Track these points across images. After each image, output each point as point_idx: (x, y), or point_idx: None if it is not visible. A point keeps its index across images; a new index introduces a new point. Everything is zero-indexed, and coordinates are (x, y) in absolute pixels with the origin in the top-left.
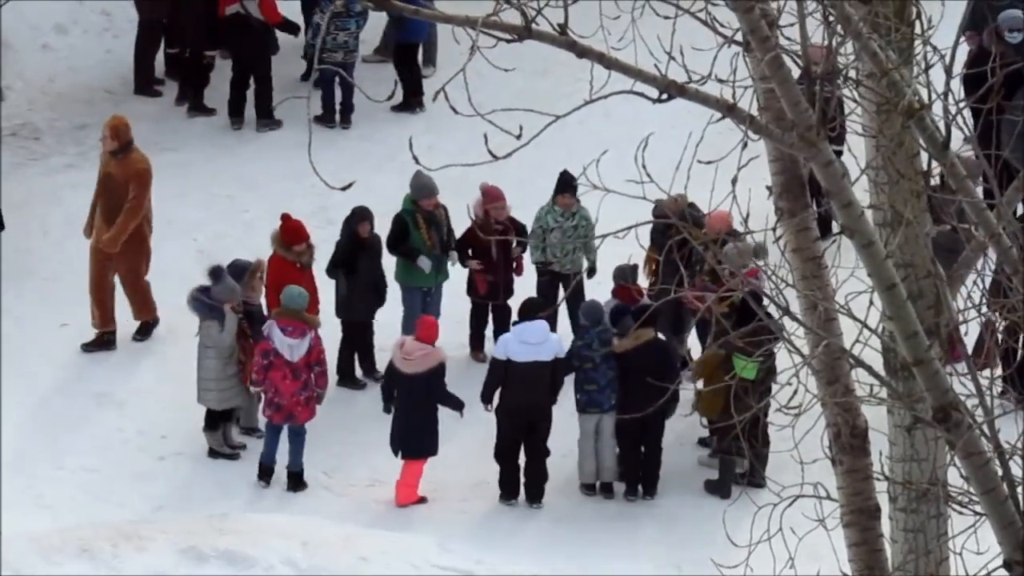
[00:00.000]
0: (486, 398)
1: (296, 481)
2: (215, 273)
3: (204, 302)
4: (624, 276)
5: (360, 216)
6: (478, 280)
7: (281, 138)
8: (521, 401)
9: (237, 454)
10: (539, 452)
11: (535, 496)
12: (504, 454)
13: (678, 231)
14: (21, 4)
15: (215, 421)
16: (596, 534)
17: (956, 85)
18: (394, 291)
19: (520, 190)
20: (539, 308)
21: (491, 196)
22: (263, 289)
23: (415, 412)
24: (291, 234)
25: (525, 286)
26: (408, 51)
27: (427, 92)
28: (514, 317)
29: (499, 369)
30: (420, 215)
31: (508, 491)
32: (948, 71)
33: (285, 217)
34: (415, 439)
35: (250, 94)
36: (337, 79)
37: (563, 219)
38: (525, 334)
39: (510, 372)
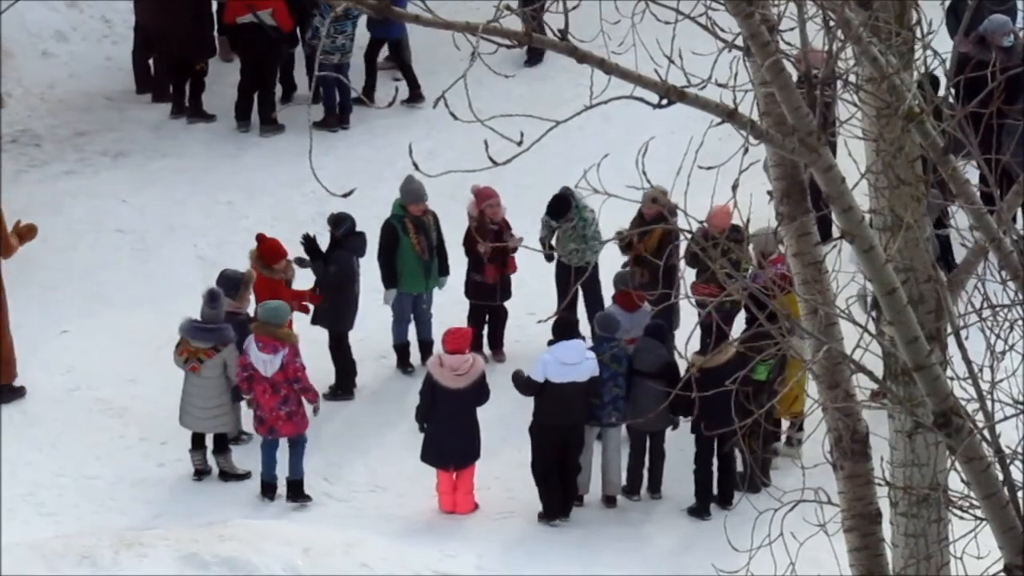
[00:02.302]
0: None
1: (296, 491)
2: (214, 297)
3: (214, 328)
4: (624, 282)
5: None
6: (488, 269)
7: (281, 144)
8: (556, 421)
9: (249, 473)
10: (570, 469)
11: (565, 511)
12: (541, 473)
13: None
14: (21, 11)
15: (225, 444)
16: (597, 540)
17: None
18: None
19: (520, 195)
20: (572, 327)
21: (484, 195)
22: (252, 300)
23: (464, 422)
24: (271, 254)
25: (523, 287)
26: (376, 47)
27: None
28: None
29: (533, 389)
30: (409, 220)
31: (549, 512)
32: (949, 76)
33: (260, 238)
34: (467, 449)
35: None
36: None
37: (564, 220)
38: (564, 355)
39: (546, 392)
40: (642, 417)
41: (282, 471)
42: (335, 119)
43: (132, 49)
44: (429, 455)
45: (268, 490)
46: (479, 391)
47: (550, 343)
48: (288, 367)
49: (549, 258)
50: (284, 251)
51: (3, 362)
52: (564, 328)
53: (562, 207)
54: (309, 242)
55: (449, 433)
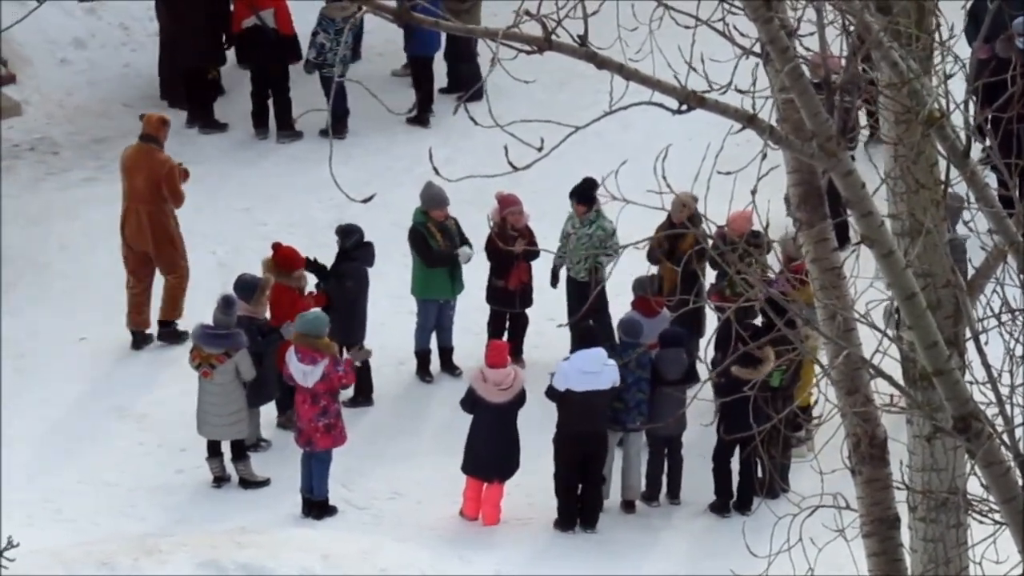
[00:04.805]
0: None
1: (320, 509)
2: (228, 303)
3: (225, 334)
4: (643, 288)
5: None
6: (511, 275)
7: (299, 151)
8: (578, 430)
9: (268, 479)
10: (595, 479)
11: (591, 522)
12: (564, 483)
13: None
14: (39, 18)
15: (244, 451)
16: (616, 545)
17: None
18: (408, 304)
19: (539, 202)
20: (592, 334)
21: (507, 202)
22: (268, 305)
23: (505, 436)
24: (289, 261)
25: (544, 294)
26: (418, 64)
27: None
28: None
29: (554, 397)
30: (433, 226)
31: (566, 521)
32: (969, 80)
33: (277, 246)
34: (509, 462)
35: (270, 104)
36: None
37: (580, 226)
38: (584, 364)
39: (568, 401)
40: (662, 422)
41: (294, 480)
42: (343, 125)
43: (159, 57)
44: (470, 466)
45: (307, 505)
46: (519, 405)
47: (571, 351)
48: (331, 377)
49: (555, 280)
50: (301, 260)
51: (170, 300)
52: (585, 336)
53: (588, 192)
54: (311, 265)
55: (491, 446)
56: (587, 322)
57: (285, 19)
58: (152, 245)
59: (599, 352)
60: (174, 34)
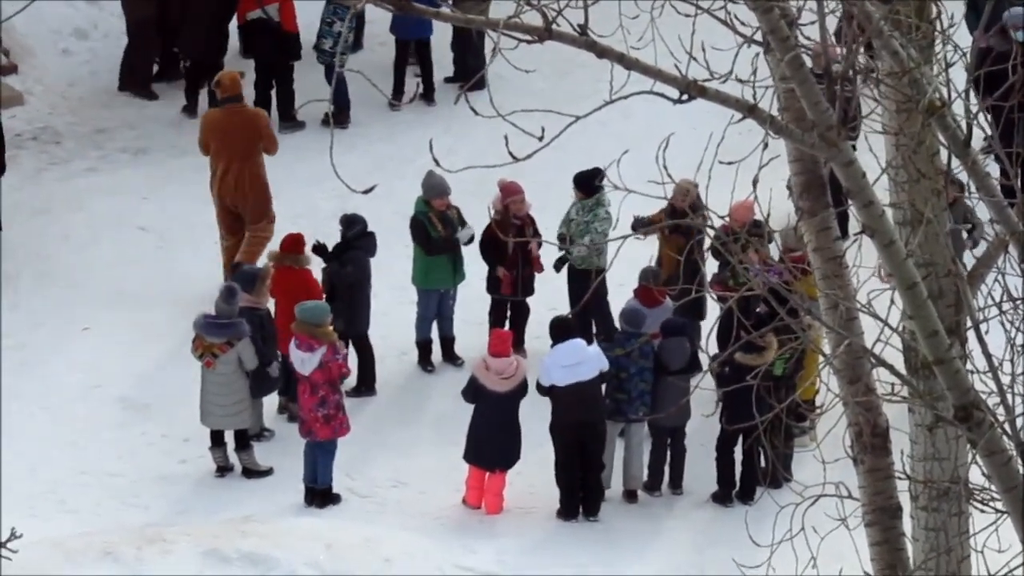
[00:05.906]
0: None
1: (323, 498)
2: (231, 292)
3: (227, 323)
4: (648, 278)
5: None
6: (504, 279)
7: (302, 141)
8: (570, 420)
9: (271, 469)
10: (594, 466)
11: (592, 510)
12: (563, 472)
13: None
14: (41, 9)
15: (247, 440)
16: (618, 535)
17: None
18: (410, 295)
19: (541, 191)
20: (567, 326)
21: (509, 190)
22: (268, 295)
23: (507, 425)
24: (299, 242)
25: (545, 283)
26: (403, 49)
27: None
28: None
29: (543, 392)
30: (434, 215)
31: (568, 510)
32: (969, 70)
33: (286, 237)
34: (510, 451)
35: (273, 95)
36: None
37: (580, 214)
38: (562, 358)
39: (555, 394)
40: (665, 412)
41: (297, 469)
42: (346, 116)
43: (126, 49)
44: (472, 455)
45: (310, 495)
46: (520, 394)
47: (551, 345)
48: (330, 366)
49: (560, 264)
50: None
51: (250, 249)
52: (559, 329)
53: (589, 182)
54: (317, 249)
55: (494, 435)
56: (562, 315)
57: (289, 16)
58: (248, 198)
59: (576, 344)
60: (177, 25)
